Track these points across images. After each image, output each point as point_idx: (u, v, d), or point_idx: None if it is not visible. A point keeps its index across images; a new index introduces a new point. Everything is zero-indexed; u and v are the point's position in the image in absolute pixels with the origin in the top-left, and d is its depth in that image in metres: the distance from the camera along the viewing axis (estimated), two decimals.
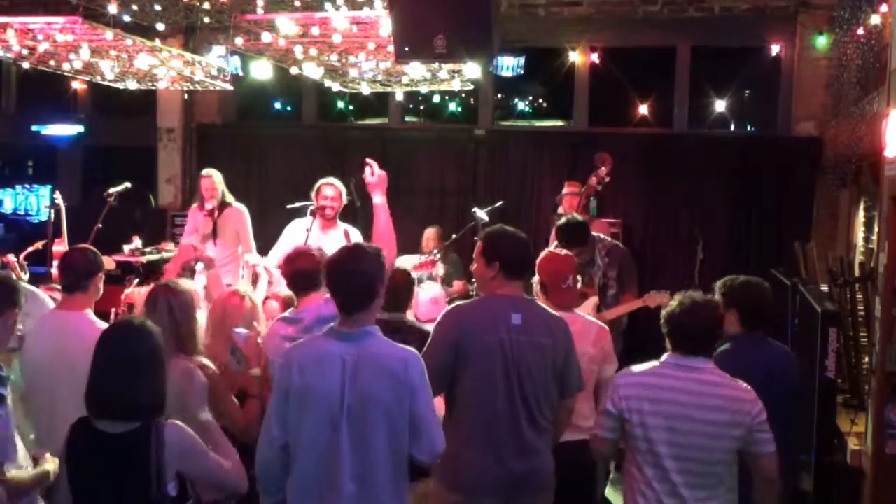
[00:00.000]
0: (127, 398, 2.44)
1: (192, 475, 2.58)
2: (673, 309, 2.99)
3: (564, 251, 4.09)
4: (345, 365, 2.72)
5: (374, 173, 3.99)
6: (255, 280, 6.30)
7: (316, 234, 5.40)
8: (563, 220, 5.18)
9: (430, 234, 7.25)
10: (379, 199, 3.94)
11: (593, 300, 4.97)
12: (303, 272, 3.60)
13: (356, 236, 5.44)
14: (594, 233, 5.40)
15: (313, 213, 5.44)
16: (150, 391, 2.49)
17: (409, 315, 4.26)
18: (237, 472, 2.69)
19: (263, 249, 6.89)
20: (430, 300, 5.52)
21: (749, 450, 2.92)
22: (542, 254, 3.97)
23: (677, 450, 2.89)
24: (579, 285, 3.99)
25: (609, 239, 5.60)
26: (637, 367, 3.06)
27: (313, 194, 5.62)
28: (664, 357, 3.02)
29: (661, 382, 2.95)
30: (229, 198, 6.70)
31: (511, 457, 3.14)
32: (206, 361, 3.27)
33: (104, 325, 3.26)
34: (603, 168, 5.99)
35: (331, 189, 5.61)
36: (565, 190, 6.50)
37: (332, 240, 5.24)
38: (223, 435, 2.78)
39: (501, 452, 3.13)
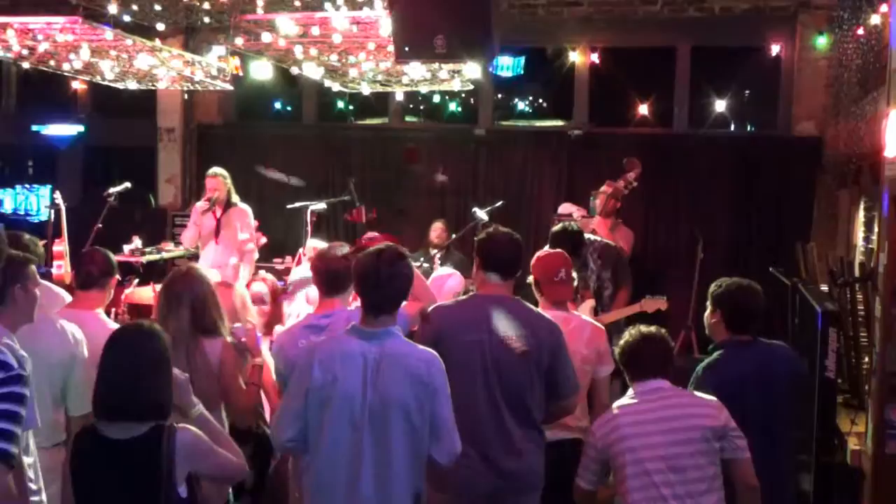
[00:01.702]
0: (136, 401, 2.44)
1: (203, 473, 2.59)
2: (626, 341, 3.16)
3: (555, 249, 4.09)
4: (366, 364, 2.71)
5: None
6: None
7: None
8: (557, 226, 5.09)
9: (437, 227, 7.30)
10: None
11: (590, 303, 4.92)
12: (336, 272, 3.42)
13: None
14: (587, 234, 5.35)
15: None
16: (158, 394, 2.49)
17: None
18: (240, 464, 2.69)
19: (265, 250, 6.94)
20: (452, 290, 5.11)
21: (727, 456, 2.98)
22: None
23: (664, 464, 2.92)
24: (575, 283, 3.97)
25: (599, 239, 5.52)
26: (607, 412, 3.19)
27: None
28: (629, 392, 3.14)
29: (631, 410, 3.04)
30: (235, 198, 6.72)
31: (497, 456, 3.13)
32: (229, 338, 3.41)
33: (115, 326, 3.33)
34: (631, 173, 6.00)
35: None
36: (603, 188, 6.45)
37: None
38: (217, 425, 2.79)
39: (487, 451, 3.12)
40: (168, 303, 3.35)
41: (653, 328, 3.19)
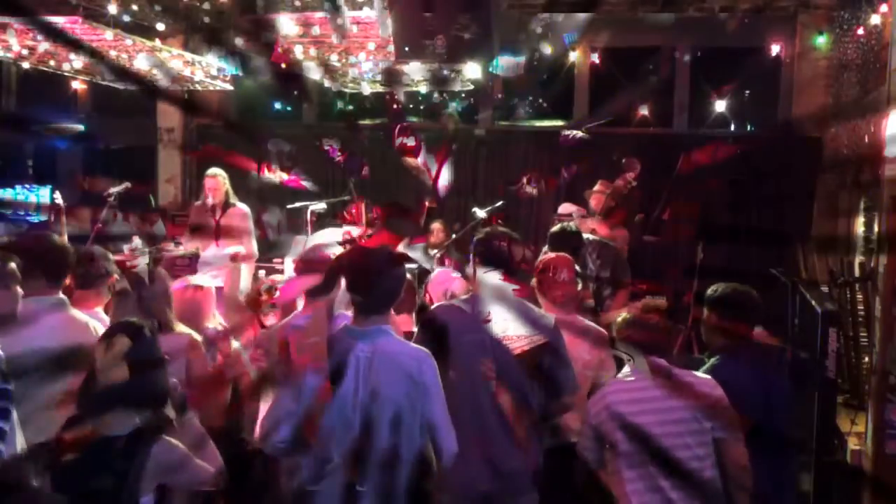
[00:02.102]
0: (129, 396, 2.46)
1: (175, 485, 2.60)
2: (624, 319, 3.21)
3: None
4: (358, 362, 2.72)
5: None
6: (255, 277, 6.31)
7: None
8: (556, 227, 5.07)
9: (435, 228, 7.31)
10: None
11: (588, 303, 4.91)
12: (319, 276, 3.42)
13: None
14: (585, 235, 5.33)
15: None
16: (152, 387, 2.51)
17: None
18: (215, 474, 2.69)
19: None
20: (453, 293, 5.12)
21: (717, 435, 2.99)
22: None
23: (654, 442, 2.92)
24: (579, 287, 3.97)
25: (596, 238, 5.48)
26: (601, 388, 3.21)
27: None
28: (624, 369, 3.16)
29: (624, 388, 3.06)
30: (233, 198, 6.71)
31: (497, 456, 3.12)
32: (195, 335, 3.43)
33: None
34: (631, 174, 5.99)
35: None
36: (596, 187, 6.41)
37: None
38: (202, 431, 2.78)
39: (487, 451, 3.11)
40: (121, 300, 3.42)
41: (644, 309, 3.22)
